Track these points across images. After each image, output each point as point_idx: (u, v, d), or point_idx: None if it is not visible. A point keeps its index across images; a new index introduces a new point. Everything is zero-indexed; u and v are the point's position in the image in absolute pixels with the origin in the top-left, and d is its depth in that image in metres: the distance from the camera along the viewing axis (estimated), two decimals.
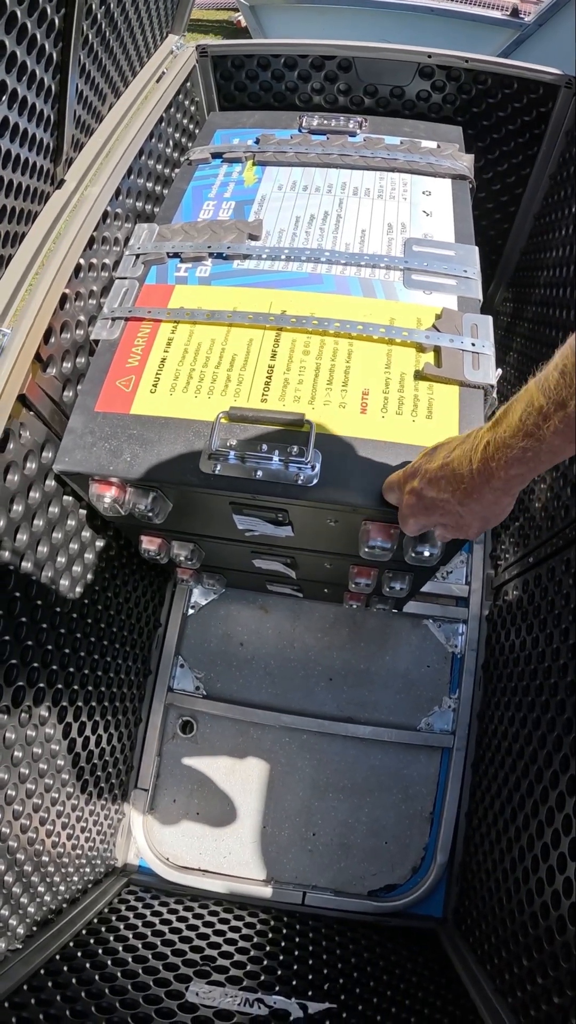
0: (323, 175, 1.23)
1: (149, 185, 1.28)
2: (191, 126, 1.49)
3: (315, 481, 0.84)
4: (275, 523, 0.93)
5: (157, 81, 1.38)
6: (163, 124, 1.33)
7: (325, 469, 0.85)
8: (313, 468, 0.85)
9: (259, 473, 0.85)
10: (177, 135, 1.42)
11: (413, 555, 0.86)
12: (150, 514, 0.91)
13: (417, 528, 0.77)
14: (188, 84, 1.45)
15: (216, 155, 1.29)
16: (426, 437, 0.87)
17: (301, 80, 1.50)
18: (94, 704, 1.19)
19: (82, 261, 1.02)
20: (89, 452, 0.90)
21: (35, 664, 0.96)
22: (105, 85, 1.23)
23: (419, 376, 0.92)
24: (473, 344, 0.94)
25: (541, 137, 1.47)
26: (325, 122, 1.34)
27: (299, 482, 0.84)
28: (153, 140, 1.28)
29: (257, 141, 1.29)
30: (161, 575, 1.49)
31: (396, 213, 1.15)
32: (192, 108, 1.49)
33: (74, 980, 0.94)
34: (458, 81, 1.45)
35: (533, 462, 0.58)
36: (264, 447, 0.86)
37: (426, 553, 0.85)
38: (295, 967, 1.08)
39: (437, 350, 0.94)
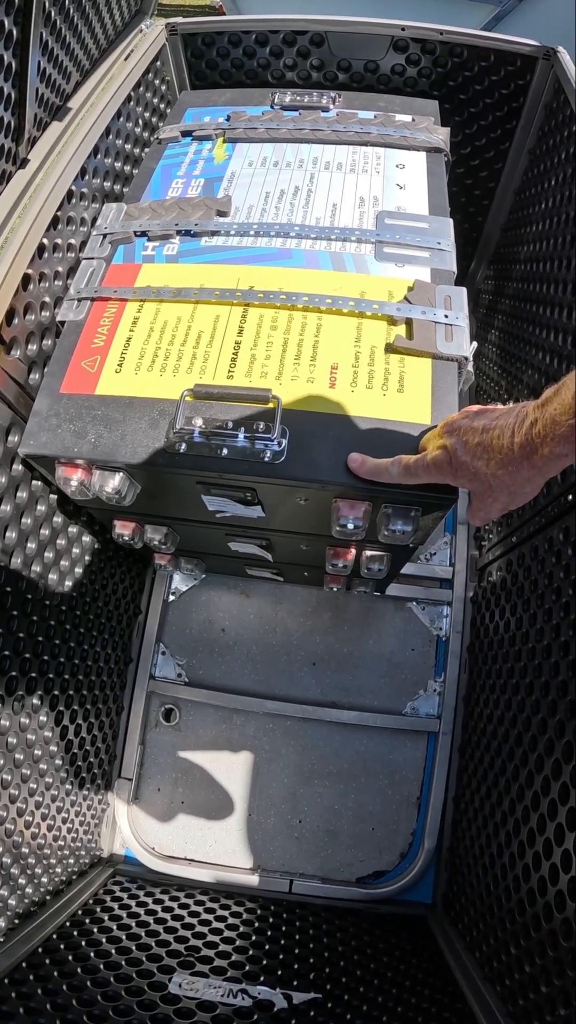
0: (295, 150, 1.20)
1: (118, 165, 1.25)
2: (162, 105, 1.46)
3: (282, 458, 0.82)
4: (244, 503, 0.91)
5: (125, 59, 1.35)
6: (131, 103, 1.30)
7: (292, 445, 0.83)
8: (280, 444, 0.82)
9: (224, 451, 0.83)
10: (147, 114, 1.39)
11: (387, 533, 0.84)
12: (118, 496, 0.88)
13: (424, 480, 0.74)
14: (158, 63, 1.41)
15: (186, 133, 1.26)
16: (397, 411, 0.85)
17: (273, 56, 1.47)
18: (72, 693, 1.17)
19: (45, 241, 0.99)
20: (54, 434, 0.88)
21: (6, 652, 0.94)
22: (70, 63, 1.20)
23: (390, 349, 0.90)
24: (446, 316, 0.92)
25: (520, 111, 1.43)
26: (298, 98, 1.31)
27: (266, 459, 0.82)
28: (121, 119, 1.25)
29: (228, 118, 1.26)
30: (140, 561, 1.47)
31: (369, 187, 1.12)
32: (163, 87, 1.46)
33: (56, 973, 0.93)
34: (433, 54, 1.42)
35: None
36: (229, 424, 0.84)
37: (400, 530, 0.83)
38: (281, 956, 1.06)
39: (409, 322, 0.92)
